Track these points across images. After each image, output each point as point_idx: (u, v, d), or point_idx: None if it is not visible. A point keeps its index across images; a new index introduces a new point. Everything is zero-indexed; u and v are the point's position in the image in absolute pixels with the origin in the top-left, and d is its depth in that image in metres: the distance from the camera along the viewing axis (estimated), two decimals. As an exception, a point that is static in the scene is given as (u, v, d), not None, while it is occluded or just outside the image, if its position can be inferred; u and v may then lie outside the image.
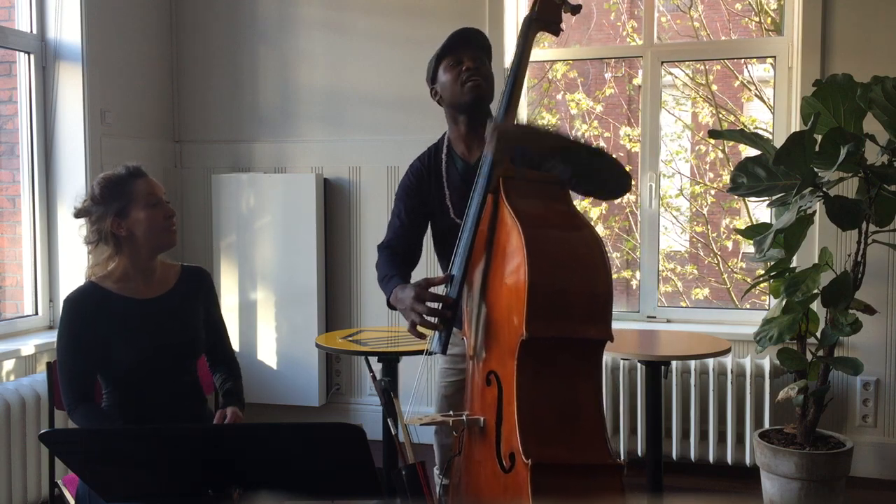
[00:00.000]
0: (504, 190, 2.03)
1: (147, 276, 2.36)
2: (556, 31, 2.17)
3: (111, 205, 2.28)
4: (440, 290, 2.15)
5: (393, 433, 1.95)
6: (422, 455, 2.01)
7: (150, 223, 2.29)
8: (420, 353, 3.03)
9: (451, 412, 2.18)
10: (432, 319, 2.09)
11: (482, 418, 2.03)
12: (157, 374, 2.32)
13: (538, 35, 2.21)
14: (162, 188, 2.37)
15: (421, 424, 2.02)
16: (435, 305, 2.09)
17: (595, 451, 1.91)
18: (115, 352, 2.28)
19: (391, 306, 2.26)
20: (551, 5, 2.13)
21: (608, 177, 2.19)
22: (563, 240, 2.00)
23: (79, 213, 2.34)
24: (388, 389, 2.02)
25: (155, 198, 2.32)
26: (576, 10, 2.14)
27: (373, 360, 3.02)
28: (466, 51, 2.37)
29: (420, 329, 2.14)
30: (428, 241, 2.52)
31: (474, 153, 2.40)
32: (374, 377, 2.06)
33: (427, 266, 2.56)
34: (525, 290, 1.87)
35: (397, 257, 2.43)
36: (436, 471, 2.47)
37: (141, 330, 2.31)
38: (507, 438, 1.92)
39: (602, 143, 6.28)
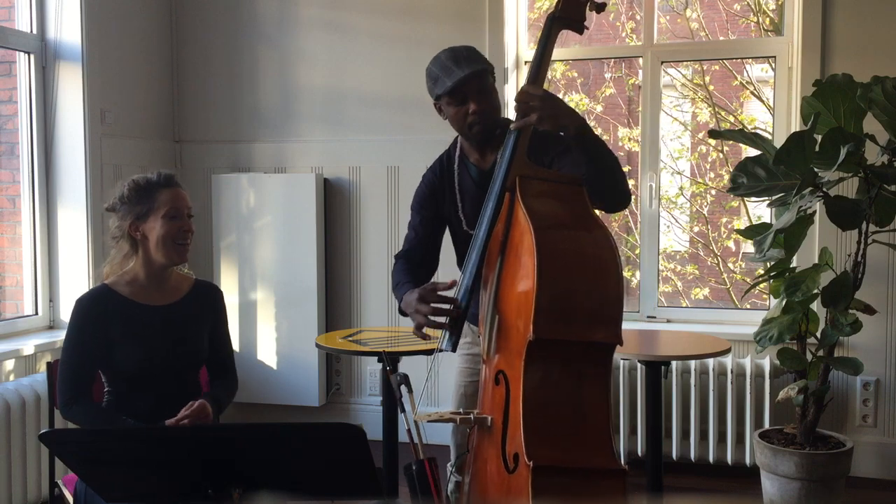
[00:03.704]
0: (520, 189, 1.99)
1: (159, 284, 2.41)
2: (579, 29, 2.07)
3: (134, 207, 2.34)
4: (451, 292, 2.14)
5: (406, 428, 1.94)
6: (434, 453, 2.00)
7: (164, 234, 2.33)
8: (421, 353, 3.05)
9: (461, 410, 2.17)
10: (440, 319, 2.09)
11: (490, 417, 2.03)
12: (157, 380, 2.35)
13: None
14: (188, 203, 2.39)
15: (428, 422, 2.02)
16: (444, 306, 2.09)
17: (599, 455, 1.89)
18: (120, 354, 2.32)
19: (402, 312, 2.25)
20: (575, 3, 2.03)
21: (618, 181, 2.12)
22: (574, 241, 1.96)
23: (108, 209, 2.42)
24: (403, 383, 2.01)
25: (176, 210, 2.35)
26: (601, 7, 2.04)
27: (374, 359, 3.01)
28: (471, 90, 2.24)
29: (426, 331, 2.14)
30: (446, 249, 2.50)
31: (488, 159, 2.34)
32: (389, 370, 2.04)
33: (447, 272, 2.51)
34: (533, 292, 1.85)
35: (412, 266, 2.42)
36: (449, 466, 2.46)
37: (145, 335, 2.35)
38: (512, 438, 1.92)
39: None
